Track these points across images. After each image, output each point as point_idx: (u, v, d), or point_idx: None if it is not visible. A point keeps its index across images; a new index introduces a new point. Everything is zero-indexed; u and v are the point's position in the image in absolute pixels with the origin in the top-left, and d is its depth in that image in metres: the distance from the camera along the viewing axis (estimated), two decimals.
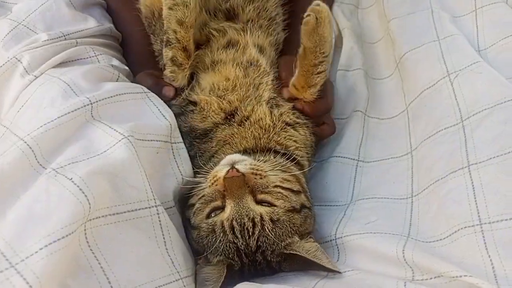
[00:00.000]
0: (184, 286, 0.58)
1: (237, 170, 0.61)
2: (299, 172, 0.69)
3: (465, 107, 0.69)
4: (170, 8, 0.68)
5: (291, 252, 0.62)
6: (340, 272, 0.61)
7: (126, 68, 0.78)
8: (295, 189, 0.65)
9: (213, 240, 0.61)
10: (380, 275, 0.60)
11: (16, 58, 0.68)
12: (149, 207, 0.58)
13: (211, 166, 0.67)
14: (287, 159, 0.69)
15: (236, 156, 0.64)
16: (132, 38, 0.85)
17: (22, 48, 0.69)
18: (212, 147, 0.71)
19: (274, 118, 0.71)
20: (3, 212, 0.49)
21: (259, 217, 0.61)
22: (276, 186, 0.63)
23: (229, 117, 0.71)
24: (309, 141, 0.76)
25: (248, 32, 0.77)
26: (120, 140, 0.57)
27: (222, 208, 0.62)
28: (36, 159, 0.54)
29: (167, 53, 0.71)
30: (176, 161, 0.66)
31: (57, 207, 0.48)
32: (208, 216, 0.63)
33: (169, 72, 0.72)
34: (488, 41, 0.83)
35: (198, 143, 0.72)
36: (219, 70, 0.73)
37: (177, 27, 0.68)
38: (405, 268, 0.59)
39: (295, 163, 0.70)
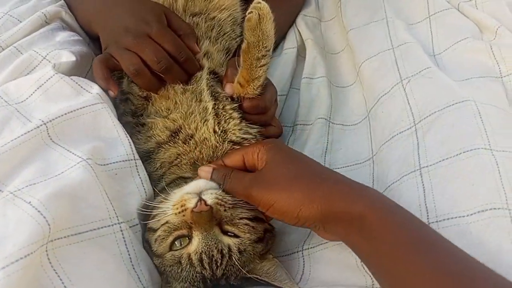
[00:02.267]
0: None
1: (205, 203, 0.60)
2: None
3: (417, 110, 0.72)
4: None
5: (252, 276, 0.63)
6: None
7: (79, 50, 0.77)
8: (260, 216, 0.65)
9: (179, 270, 0.61)
10: (343, 286, 0.62)
11: None
12: (112, 225, 0.58)
13: (167, 189, 0.66)
14: None
15: (203, 183, 0.64)
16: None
17: None
18: (156, 169, 0.70)
19: (219, 139, 0.70)
20: None
21: (227, 249, 0.61)
22: (242, 218, 0.63)
23: (173, 134, 0.70)
24: None
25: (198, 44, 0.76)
26: (78, 163, 0.58)
27: (187, 237, 0.62)
28: None
29: (134, 89, 0.73)
30: (140, 177, 0.66)
31: (14, 230, 0.48)
32: (172, 245, 0.62)
33: (139, 103, 0.73)
34: (442, 46, 0.86)
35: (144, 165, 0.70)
36: (160, 91, 0.72)
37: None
38: (365, 276, 0.61)
39: None
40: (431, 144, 0.67)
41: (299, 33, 1.01)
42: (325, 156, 0.82)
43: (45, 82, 0.67)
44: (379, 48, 0.86)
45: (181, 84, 0.72)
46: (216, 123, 0.71)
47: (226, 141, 0.71)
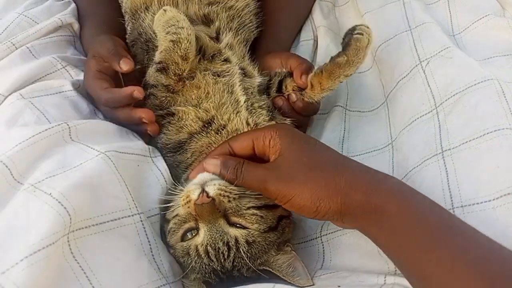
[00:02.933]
0: None
1: (207, 195, 0.59)
2: None
3: (437, 93, 0.70)
4: (173, 42, 0.67)
5: (264, 269, 0.61)
6: (313, 285, 0.60)
7: None
8: (271, 204, 0.62)
9: (189, 261, 0.61)
10: (364, 272, 0.60)
11: None
12: (132, 215, 0.59)
13: (187, 178, 0.66)
14: None
15: (207, 176, 0.62)
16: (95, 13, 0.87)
17: None
18: (187, 158, 0.70)
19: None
20: None
21: (234, 240, 0.59)
22: (249, 208, 0.61)
23: (206, 125, 0.70)
24: None
25: (221, 37, 0.77)
26: (96, 156, 0.59)
27: (196, 229, 0.61)
28: (12, 176, 0.56)
29: (160, 79, 0.70)
30: (159, 169, 0.67)
31: (36, 221, 0.49)
32: (183, 238, 0.62)
33: (163, 96, 0.71)
34: (461, 25, 0.83)
35: (171, 156, 0.71)
36: (189, 80, 0.72)
37: (180, 61, 0.68)
38: (387, 262, 0.59)
39: None
40: (453, 127, 0.64)
41: (312, 20, 0.99)
42: (342, 144, 0.81)
43: (64, 92, 0.72)
44: (395, 30, 0.84)
45: (212, 76, 0.72)
46: (248, 115, 0.71)
47: None
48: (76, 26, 0.88)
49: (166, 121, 0.72)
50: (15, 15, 0.83)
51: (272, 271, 0.61)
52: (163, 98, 0.71)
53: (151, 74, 0.72)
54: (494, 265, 0.44)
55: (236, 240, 0.60)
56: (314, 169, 0.56)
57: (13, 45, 0.77)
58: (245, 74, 0.75)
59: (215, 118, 0.70)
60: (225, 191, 0.60)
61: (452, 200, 0.58)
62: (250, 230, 0.60)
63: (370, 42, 0.69)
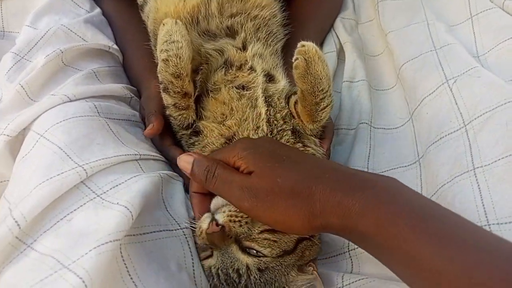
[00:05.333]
0: None
1: (216, 223, 0.58)
2: None
3: (466, 111, 0.70)
4: (164, 61, 0.65)
5: None
6: None
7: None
8: None
9: (210, 278, 0.61)
10: (397, 281, 0.59)
11: (21, 85, 0.69)
12: (175, 229, 0.61)
13: None
14: None
15: (220, 201, 0.61)
16: (134, 55, 0.85)
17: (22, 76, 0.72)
18: None
19: None
20: (57, 228, 0.53)
21: (245, 268, 0.58)
22: (262, 232, 0.59)
23: (227, 142, 0.68)
24: None
25: (248, 46, 0.75)
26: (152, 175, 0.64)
27: (211, 256, 0.62)
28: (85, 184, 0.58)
29: (167, 99, 0.68)
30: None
31: (106, 223, 0.52)
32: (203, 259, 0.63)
33: (177, 115, 0.70)
34: (486, 46, 0.84)
35: None
36: (214, 94, 0.71)
37: (173, 79, 0.66)
38: None
39: None
40: (484, 145, 0.65)
41: (337, 36, 1.00)
42: (368, 161, 0.81)
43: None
44: (420, 49, 0.85)
45: (237, 90, 0.70)
46: (268, 131, 0.68)
47: None
48: (119, 58, 0.87)
49: (191, 142, 0.71)
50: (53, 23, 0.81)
51: None
52: (180, 116, 0.70)
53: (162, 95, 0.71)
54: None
55: (248, 267, 0.58)
56: (290, 195, 0.52)
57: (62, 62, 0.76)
58: (269, 80, 0.73)
59: (236, 134, 0.68)
60: (236, 216, 0.58)
61: (487, 217, 0.57)
62: (262, 257, 0.59)
63: (310, 60, 0.63)
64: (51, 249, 0.50)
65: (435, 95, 0.77)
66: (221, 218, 0.58)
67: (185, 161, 0.60)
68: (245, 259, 0.59)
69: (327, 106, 0.66)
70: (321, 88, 0.64)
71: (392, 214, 0.46)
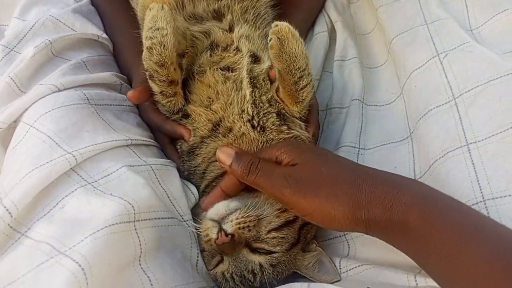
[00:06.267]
0: None
1: (225, 233, 0.59)
2: None
3: (456, 84, 0.70)
4: (148, 49, 0.64)
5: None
6: (340, 280, 0.61)
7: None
8: (291, 219, 0.62)
9: (220, 284, 0.63)
10: (391, 268, 0.60)
11: (10, 77, 0.68)
12: (183, 220, 0.63)
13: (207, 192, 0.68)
14: None
15: (222, 208, 0.61)
16: (123, 44, 0.83)
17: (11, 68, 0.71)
18: (199, 164, 0.69)
19: (257, 134, 0.67)
20: (51, 216, 0.53)
21: (259, 267, 0.61)
22: (269, 232, 0.61)
23: (215, 127, 0.68)
24: None
25: (235, 28, 0.74)
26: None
27: (221, 262, 0.63)
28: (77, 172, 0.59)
29: (154, 87, 0.68)
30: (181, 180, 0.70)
31: (100, 211, 0.53)
32: (214, 267, 0.65)
33: (166, 102, 0.69)
34: (479, 20, 0.83)
35: (187, 162, 0.70)
36: (200, 77, 0.70)
37: (158, 68, 0.65)
38: None
39: None
40: (477, 119, 0.64)
41: (328, 16, 0.98)
42: (359, 137, 0.81)
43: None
44: (411, 23, 0.83)
45: (221, 72, 0.69)
46: (254, 113, 0.67)
47: (265, 138, 0.67)
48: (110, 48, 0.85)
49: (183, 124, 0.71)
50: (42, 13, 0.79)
51: (300, 273, 0.63)
52: (168, 103, 0.69)
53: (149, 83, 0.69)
54: None
55: (261, 265, 0.61)
56: (335, 183, 0.54)
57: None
58: (255, 60, 0.72)
59: (222, 119, 0.68)
60: (244, 222, 0.60)
61: (482, 192, 0.58)
62: (273, 255, 0.61)
63: (283, 39, 0.63)
64: (45, 236, 0.50)
65: (424, 68, 0.76)
66: (229, 227, 0.59)
67: (226, 153, 0.61)
68: (257, 258, 0.61)
69: (306, 85, 0.66)
70: (297, 66, 0.64)
71: (440, 208, 0.49)
